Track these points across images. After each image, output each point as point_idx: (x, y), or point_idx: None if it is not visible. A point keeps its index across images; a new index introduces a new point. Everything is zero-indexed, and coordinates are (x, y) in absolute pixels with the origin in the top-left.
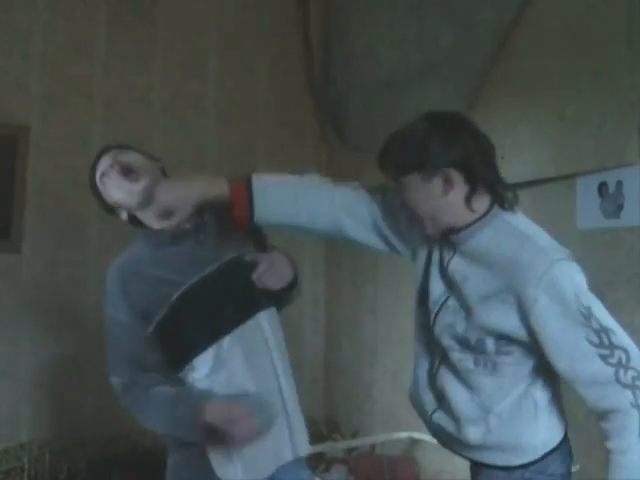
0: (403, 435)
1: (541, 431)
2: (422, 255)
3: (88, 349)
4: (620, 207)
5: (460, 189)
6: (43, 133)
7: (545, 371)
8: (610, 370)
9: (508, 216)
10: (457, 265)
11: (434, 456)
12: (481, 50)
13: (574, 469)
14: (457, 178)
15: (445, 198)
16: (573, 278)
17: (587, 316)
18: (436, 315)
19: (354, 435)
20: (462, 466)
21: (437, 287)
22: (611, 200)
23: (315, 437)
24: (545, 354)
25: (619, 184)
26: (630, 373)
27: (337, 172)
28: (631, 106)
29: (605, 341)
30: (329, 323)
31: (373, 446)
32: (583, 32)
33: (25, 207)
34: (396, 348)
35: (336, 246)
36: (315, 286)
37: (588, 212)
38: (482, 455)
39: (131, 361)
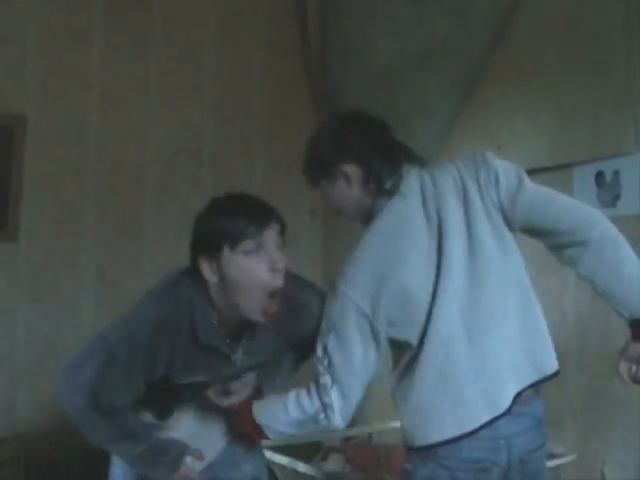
0: (399, 424)
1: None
2: None
3: (85, 337)
4: (617, 196)
5: (359, 180)
6: (40, 123)
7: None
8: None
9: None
10: None
11: None
12: (478, 40)
13: (570, 458)
14: (355, 172)
15: (350, 191)
16: None
17: None
18: None
19: (351, 424)
20: None
21: None
22: (608, 189)
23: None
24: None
25: (616, 173)
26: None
27: None
28: (627, 96)
29: None
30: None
31: (370, 435)
32: (580, 22)
33: (22, 196)
34: None
35: (334, 244)
36: (312, 276)
37: (585, 201)
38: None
39: (114, 388)
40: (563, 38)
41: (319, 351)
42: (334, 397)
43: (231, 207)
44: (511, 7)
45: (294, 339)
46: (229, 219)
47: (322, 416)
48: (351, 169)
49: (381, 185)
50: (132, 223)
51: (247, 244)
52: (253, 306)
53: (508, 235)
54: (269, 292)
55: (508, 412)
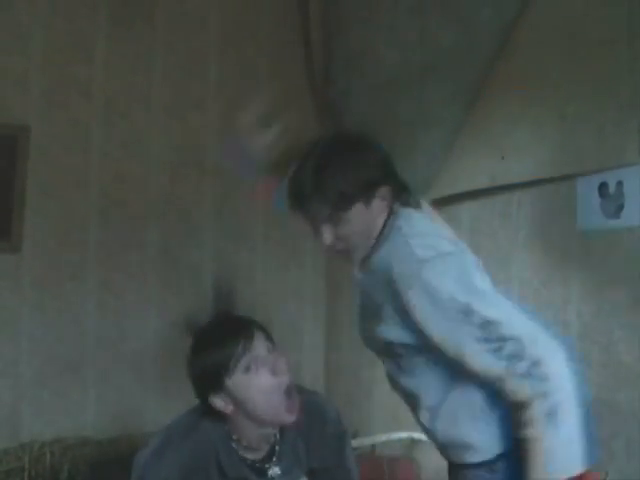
0: (403, 435)
1: (485, 431)
2: None
3: (89, 349)
4: (620, 207)
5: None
6: (43, 133)
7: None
8: (502, 364)
9: (402, 219)
10: (362, 279)
11: (434, 456)
12: (481, 50)
13: None
14: (386, 192)
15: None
16: (444, 276)
17: (467, 312)
18: (359, 324)
19: (354, 435)
20: None
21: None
22: (611, 200)
23: None
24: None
25: (619, 184)
26: (524, 363)
27: None
28: (631, 106)
29: (492, 335)
30: (329, 323)
31: (373, 446)
32: (583, 32)
33: (25, 207)
34: None
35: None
36: (315, 286)
37: (588, 212)
38: (445, 451)
39: None
40: (566, 49)
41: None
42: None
43: (213, 340)
44: (514, 18)
45: (319, 450)
46: (216, 352)
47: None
48: (386, 188)
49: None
50: (135, 234)
51: (243, 364)
52: (276, 409)
53: None
54: (283, 391)
55: None
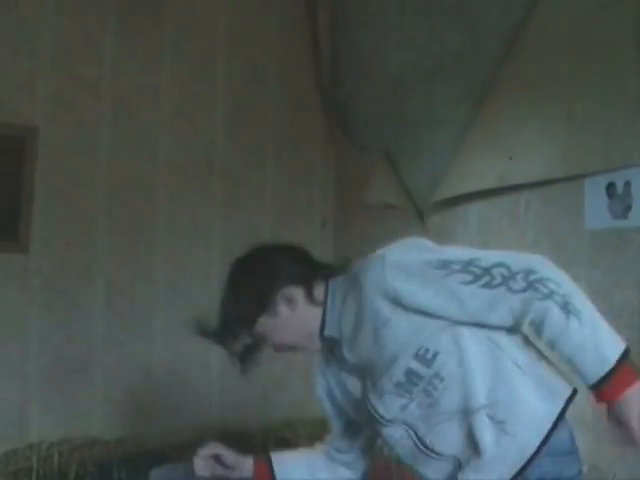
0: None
1: None
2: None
3: (97, 349)
4: (628, 207)
5: (300, 297)
6: (51, 134)
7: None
8: (501, 290)
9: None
10: (346, 351)
11: None
12: (489, 52)
13: (583, 469)
14: (293, 290)
15: (295, 314)
16: (405, 252)
17: (443, 265)
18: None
19: None
20: None
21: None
22: (619, 200)
23: (323, 438)
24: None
25: (627, 184)
26: (519, 278)
27: (345, 173)
28: (639, 107)
29: (477, 271)
30: None
31: (380, 449)
32: (591, 33)
33: (33, 208)
34: None
35: (346, 254)
36: None
37: (596, 212)
38: None
39: None
40: (574, 49)
41: None
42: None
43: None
44: (522, 19)
45: None
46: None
47: None
48: (292, 290)
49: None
50: (144, 234)
51: None
52: None
53: None
54: None
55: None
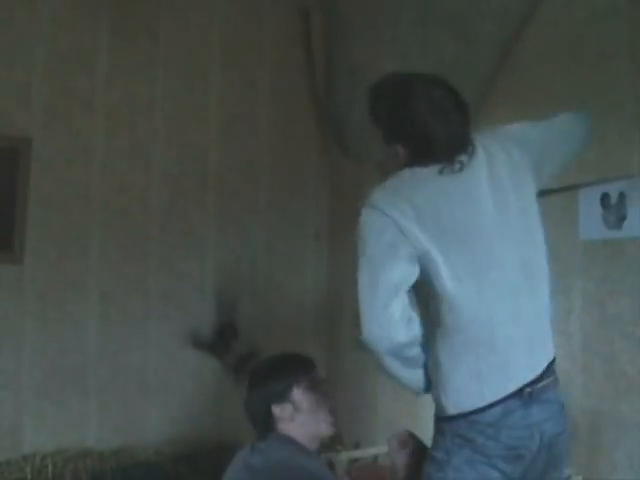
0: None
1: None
2: None
3: (91, 360)
4: (622, 218)
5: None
6: (45, 145)
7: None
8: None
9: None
10: None
11: None
12: (483, 64)
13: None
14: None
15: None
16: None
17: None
18: None
19: (356, 446)
20: None
21: None
22: (613, 211)
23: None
24: None
25: (621, 195)
26: None
27: (339, 185)
28: (633, 118)
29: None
30: (331, 335)
31: (376, 457)
32: (585, 45)
33: (27, 219)
34: None
35: (339, 266)
36: (316, 297)
37: (590, 223)
38: None
39: None
40: (569, 60)
41: None
42: None
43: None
44: (517, 30)
45: None
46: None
47: None
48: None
49: None
50: (137, 245)
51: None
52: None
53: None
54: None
55: (538, 398)
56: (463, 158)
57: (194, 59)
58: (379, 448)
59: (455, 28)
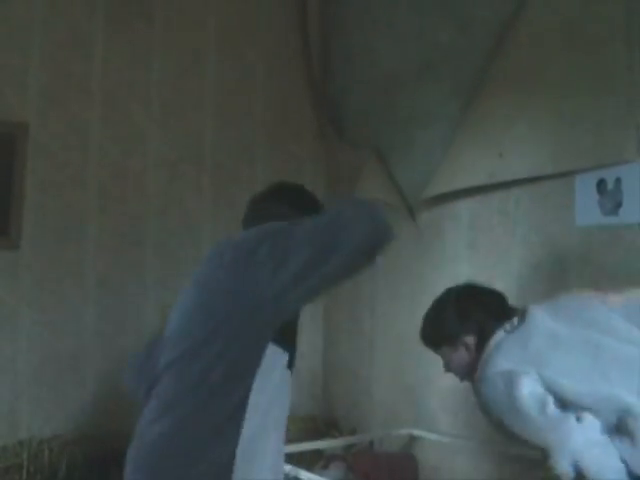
0: (402, 432)
1: None
2: None
3: (87, 346)
4: (619, 204)
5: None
6: (42, 130)
7: None
8: None
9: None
10: None
11: (433, 453)
12: (479, 48)
13: None
14: (472, 342)
15: (469, 357)
16: None
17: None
18: None
19: (353, 432)
20: (461, 463)
21: None
22: (610, 197)
23: (314, 434)
24: None
25: (618, 181)
26: None
27: (335, 169)
28: (629, 103)
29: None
30: (327, 321)
31: (372, 443)
32: (581, 30)
33: (24, 204)
34: (394, 345)
35: None
36: None
37: (586, 209)
38: None
39: None
40: (564, 46)
41: None
42: None
43: None
44: (512, 15)
45: None
46: None
47: None
48: (471, 339)
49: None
50: (134, 231)
51: None
52: None
53: None
54: None
55: None
56: None
57: (191, 45)
58: (376, 433)
59: (450, 14)
